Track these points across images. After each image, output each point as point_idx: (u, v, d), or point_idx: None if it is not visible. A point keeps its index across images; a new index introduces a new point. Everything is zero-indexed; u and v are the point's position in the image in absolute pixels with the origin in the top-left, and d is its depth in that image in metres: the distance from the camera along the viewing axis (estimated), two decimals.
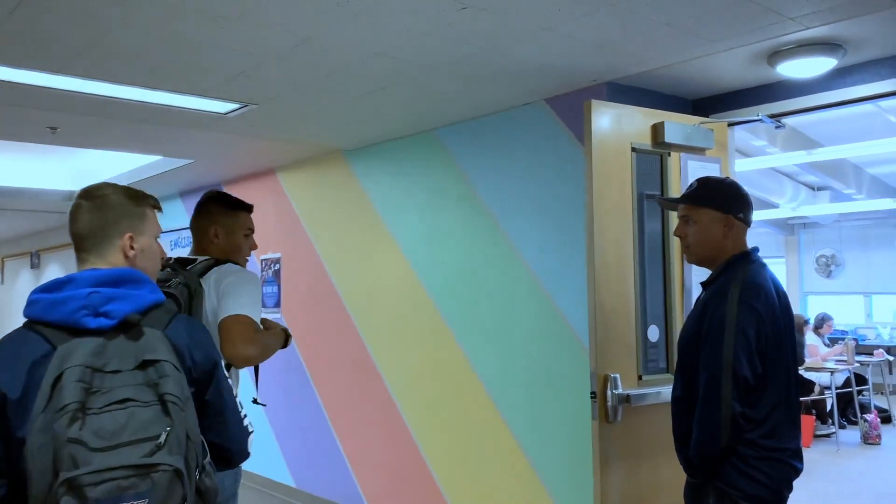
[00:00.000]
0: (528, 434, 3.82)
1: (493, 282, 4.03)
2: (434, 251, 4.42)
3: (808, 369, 7.96)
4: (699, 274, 3.29)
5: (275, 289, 5.78)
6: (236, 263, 2.68)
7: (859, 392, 8.35)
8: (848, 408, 8.44)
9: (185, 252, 7.11)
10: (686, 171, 3.32)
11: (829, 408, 8.08)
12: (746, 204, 2.35)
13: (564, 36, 2.83)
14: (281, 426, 5.70)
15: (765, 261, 2.34)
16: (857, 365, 8.33)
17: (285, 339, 2.69)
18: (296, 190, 5.65)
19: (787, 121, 3.56)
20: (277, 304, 5.76)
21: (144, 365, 1.51)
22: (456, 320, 4.25)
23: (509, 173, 3.97)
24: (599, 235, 3.02)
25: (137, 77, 3.35)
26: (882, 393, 9.32)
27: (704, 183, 2.39)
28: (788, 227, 12.22)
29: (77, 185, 7.45)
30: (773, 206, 9.32)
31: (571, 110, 3.60)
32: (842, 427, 8.03)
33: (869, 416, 7.77)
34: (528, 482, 3.79)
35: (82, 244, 1.71)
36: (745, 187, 2.43)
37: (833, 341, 9.21)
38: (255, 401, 2.98)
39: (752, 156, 7.08)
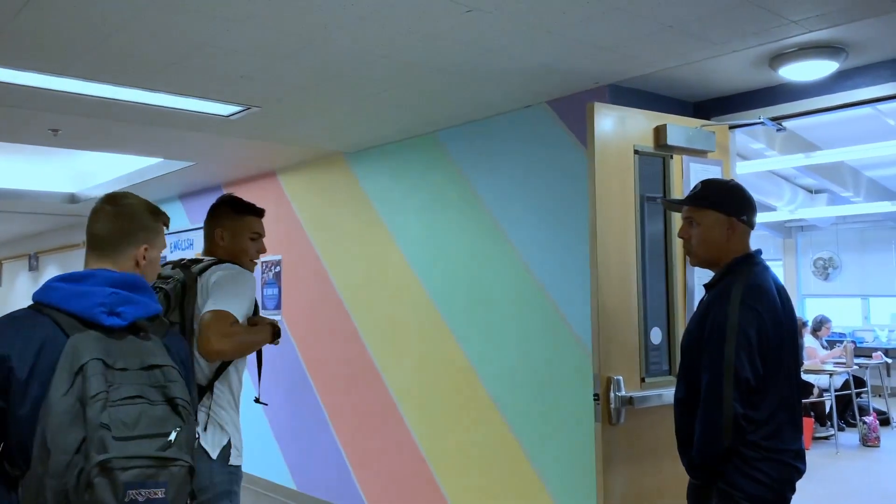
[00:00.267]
0: (529, 436, 3.82)
1: (494, 284, 4.04)
2: (435, 253, 4.43)
3: (806, 371, 7.97)
4: (701, 276, 3.31)
5: (275, 291, 5.79)
6: (240, 265, 2.73)
7: (858, 394, 8.37)
8: (846, 410, 8.46)
9: (185, 254, 7.13)
10: (688, 174, 3.33)
11: (827, 410, 8.09)
12: (750, 206, 2.36)
13: (568, 38, 2.85)
14: (282, 428, 5.69)
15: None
16: (856, 367, 8.35)
17: (272, 334, 2.68)
18: (297, 192, 5.65)
19: (786, 123, 3.58)
20: (278, 307, 5.76)
21: (149, 368, 1.62)
22: (457, 322, 4.26)
23: (511, 176, 3.98)
24: (602, 237, 3.03)
25: (140, 79, 3.35)
26: (880, 395, 9.34)
27: (708, 185, 2.40)
28: (786, 229, 12.25)
29: (76, 188, 7.45)
30: (771, 208, 9.34)
31: (573, 112, 3.61)
32: (840, 429, 8.04)
33: (868, 419, 7.78)
34: (529, 484, 3.79)
35: (99, 246, 1.84)
36: None
37: (831, 344, 9.23)
38: (256, 400, 3.01)
39: (751, 158, 7.10)
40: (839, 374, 8.11)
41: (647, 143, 3.23)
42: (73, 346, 1.58)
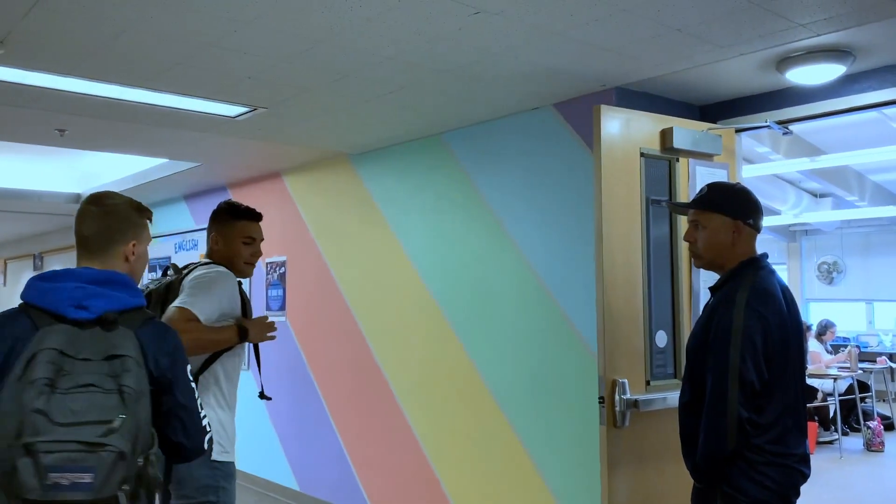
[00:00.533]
0: (533, 438, 3.82)
1: (498, 286, 4.04)
2: (439, 255, 4.43)
3: (810, 376, 7.95)
4: (707, 279, 3.31)
5: (280, 292, 5.79)
6: (234, 269, 2.83)
7: (862, 399, 8.35)
8: (850, 415, 8.44)
9: (190, 254, 7.14)
10: (694, 177, 3.33)
11: (831, 414, 8.07)
12: (756, 209, 2.36)
13: (575, 40, 2.85)
14: (285, 429, 5.70)
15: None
16: (860, 372, 8.33)
17: (238, 333, 2.69)
18: (301, 193, 5.66)
19: (792, 127, 3.57)
20: (282, 307, 5.76)
21: (110, 358, 1.69)
22: (461, 325, 4.25)
23: (516, 178, 3.98)
24: (608, 240, 3.03)
25: (148, 79, 3.36)
26: (885, 400, 9.32)
27: (714, 188, 2.39)
28: (790, 233, 12.23)
29: (81, 188, 7.46)
30: (776, 212, 9.33)
31: (579, 115, 3.61)
32: (844, 434, 8.02)
33: (872, 424, 7.76)
34: (533, 486, 3.78)
35: (88, 246, 1.93)
36: None
37: (835, 348, 9.21)
38: (261, 395, 3.03)
39: (756, 162, 7.09)
40: (843, 378, 8.09)
41: (654, 146, 3.23)
42: (38, 338, 1.67)
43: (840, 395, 7.99)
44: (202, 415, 1.94)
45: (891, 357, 9.60)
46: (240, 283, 2.84)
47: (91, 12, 2.59)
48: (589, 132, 3.42)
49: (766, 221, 2.40)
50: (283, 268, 5.77)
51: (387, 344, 4.80)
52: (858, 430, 8.08)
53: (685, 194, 3.29)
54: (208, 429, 1.94)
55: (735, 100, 3.64)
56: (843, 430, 7.95)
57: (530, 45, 2.90)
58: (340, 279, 5.22)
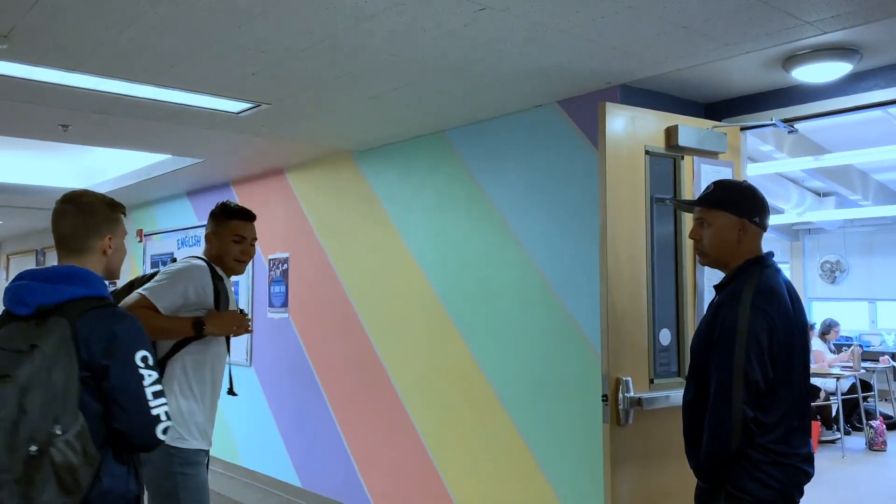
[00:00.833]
0: (536, 436, 3.82)
1: (502, 284, 4.03)
2: (443, 253, 4.42)
3: (813, 375, 7.92)
4: (711, 277, 3.30)
5: (283, 288, 5.79)
6: (225, 266, 2.98)
7: (864, 398, 8.34)
8: (853, 414, 8.43)
9: (192, 251, 7.15)
10: (699, 175, 3.32)
11: (834, 414, 8.07)
12: (762, 208, 2.35)
13: (580, 38, 2.84)
14: (287, 425, 5.70)
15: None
16: (863, 371, 8.32)
17: (193, 325, 2.76)
18: (305, 190, 5.65)
19: (797, 125, 3.56)
20: (285, 304, 5.76)
21: (33, 348, 1.84)
22: (464, 322, 4.25)
23: (519, 175, 3.97)
24: (612, 238, 3.02)
25: (152, 75, 3.35)
26: (887, 399, 9.31)
27: (721, 185, 2.38)
28: (793, 232, 12.22)
29: (84, 184, 7.46)
30: (779, 211, 9.32)
31: (584, 113, 3.60)
32: (847, 433, 8.01)
33: (874, 423, 7.76)
34: (536, 484, 3.78)
35: (67, 244, 2.08)
36: None
37: (838, 347, 9.20)
38: (229, 391, 3.12)
39: (759, 161, 7.08)
40: (846, 377, 8.08)
41: (659, 144, 3.22)
42: None
43: (843, 395, 7.99)
44: (156, 403, 1.96)
45: (893, 356, 9.58)
46: (221, 279, 2.93)
47: (95, 7, 2.58)
48: (593, 130, 3.42)
49: (770, 220, 2.39)
50: (285, 264, 5.77)
51: (390, 341, 4.79)
52: (861, 430, 8.08)
53: (690, 192, 3.28)
54: (163, 418, 1.97)
55: (740, 98, 3.63)
56: (845, 429, 7.94)
57: (535, 42, 2.89)
58: (343, 276, 5.21)
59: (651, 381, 3.13)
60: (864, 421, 8.00)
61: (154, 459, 2.63)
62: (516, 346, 3.93)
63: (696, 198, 2.47)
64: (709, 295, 3.31)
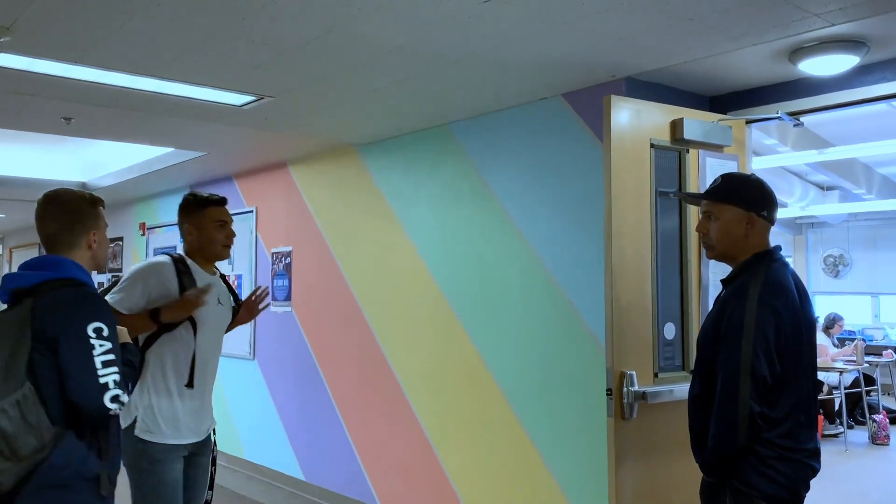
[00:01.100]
0: (540, 429, 3.81)
1: (506, 277, 4.02)
2: (447, 246, 4.41)
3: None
4: (716, 271, 3.29)
5: (286, 282, 5.78)
6: (211, 254, 3.05)
7: (868, 392, 8.34)
8: (856, 408, 8.43)
9: None
10: (704, 169, 3.31)
11: (837, 408, 8.07)
12: (770, 201, 2.33)
13: (586, 30, 2.82)
14: (290, 419, 5.70)
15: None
16: (866, 365, 8.32)
17: (150, 316, 2.83)
18: (308, 184, 5.64)
19: (803, 119, 3.54)
20: (288, 298, 5.76)
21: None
22: (468, 316, 4.24)
23: (523, 169, 3.96)
24: (617, 232, 3.01)
25: (155, 67, 3.34)
26: (890, 394, 9.31)
27: (729, 179, 2.37)
28: (796, 226, 12.19)
29: (87, 177, 7.45)
30: (782, 205, 9.26)
31: (589, 106, 3.59)
32: (850, 427, 8.01)
33: (877, 417, 7.75)
34: (540, 478, 3.78)
35: (53, 241, 2.22)
36: None
37: (841, 342, 9.18)
38: (188, 385, 3.08)
39: (763, 154, 7.05)
40: (849, 371, 8.08)
41: (664, 137, 3.21)
42: None
43: (846, 389, 7.98)
44: (105, 371, 2.02)
45: None
46: (188, 273, 2.95)
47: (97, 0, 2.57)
48: (598, 123, 3.40)
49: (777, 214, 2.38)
50: (288, 258, 5.77)
51: (393, 335, 4.79)
52: (864, 424, 8.08)
53: (695, 186, 3.27)
54: (111, 386, 2.01)
55: (745, 91, 3.61)
56: (848, 423, 7.94)
57: (541, 35, 2.88)
58: (346, 270, 5.21)
59: (655, 375, 3.12)
60: (867, 415, 8.00)
61: (124, 446, 2.70)
62: (520, 339, 3.93)
63: (704, 191, 2.46)
64: (713, 289, 3.30)
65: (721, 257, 2.38)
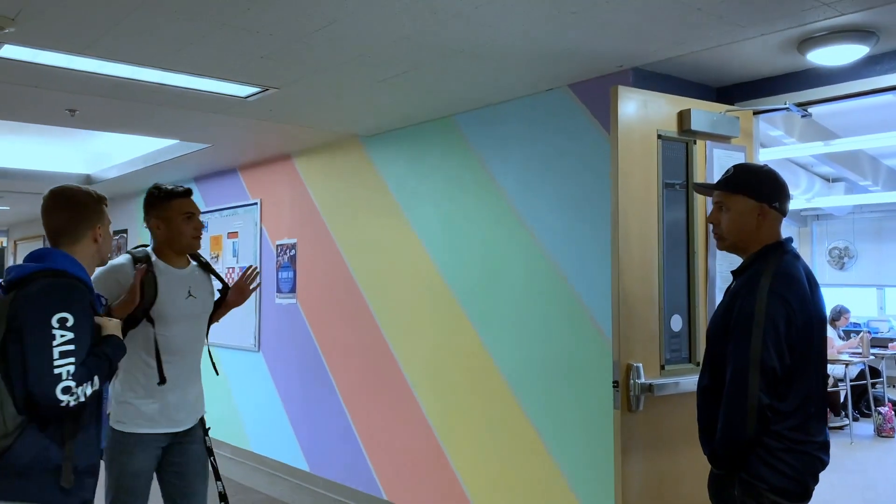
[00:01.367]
0: (546, 422, 3.81)
1: (511, 269, 4.01)
2: (452, 238, 4.40)
3: None
4: (723, 263, 3.28)
5: (290, 274, 5.78)
6: (180, 247, 3.04)
7: (873, 385, 8.32)
8: (861, 400, 8.42)
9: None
10: (711, 160, 3.29)
11: (842, 400, 8.06)
12: (783, 193, 2.32)
13: (594, 20, 2.80)
14: (295, 410, 5.71)
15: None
16: (872, 357, 8.30)
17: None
18: (312, 176, 5.63)
19: (811, 110, 3.52)
20: (293, 290, 5.75)
21: None
22: (473, 308, 4.24)
23: (529, 160, 3.94)
24: (624, 224, 3.00)
25: (159, 59, 3.33)
26: (895, 386, 9.29)
27: (741, 169, 2.35)
28: (801, 218, 12.14)
29: (91, 169, 7.46)
30: None
31: (595, 96, 3.57)
32: (855, 419, 8.01)
33: (883, 409, 7.75)
34: (546, 470, 3.78)
35: (59, 235, 2.28)
36: None
37: (846, 334, 9.17)
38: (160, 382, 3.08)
39: (769, 146, 7.02)
40: (855, 364, 8.06)
41: (671, 128, 3.19)
42: None
43: (851, 381, 7.97)
44: (61, 362, 2.04)
45: None
46: (148, 267, 2.93)
47: None
48: (605, 114, 3.38)
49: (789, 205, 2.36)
50: (293, 250, 5.76)
51: (398, 327, 4.79)
52: (869, 416, 8.07)
53: (702, 177, 3.25)
54: (65, 377, 2.03)
55: (752, 81, 3.58)
56: (853, 415, 7.93)
57: (547, 25, 2.86)
58: (351, 262, 5.20)
59: (662, 368, 3.11)
60: (873, 407, 7.99)
61: (108, 435, 2.81)
62: (525, 331, 3.92)
63: (717, 181, 2.43)
64: (721, 280, 3.28)
65: (732, 248, 2.36)
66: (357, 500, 5.02)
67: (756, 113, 3.53)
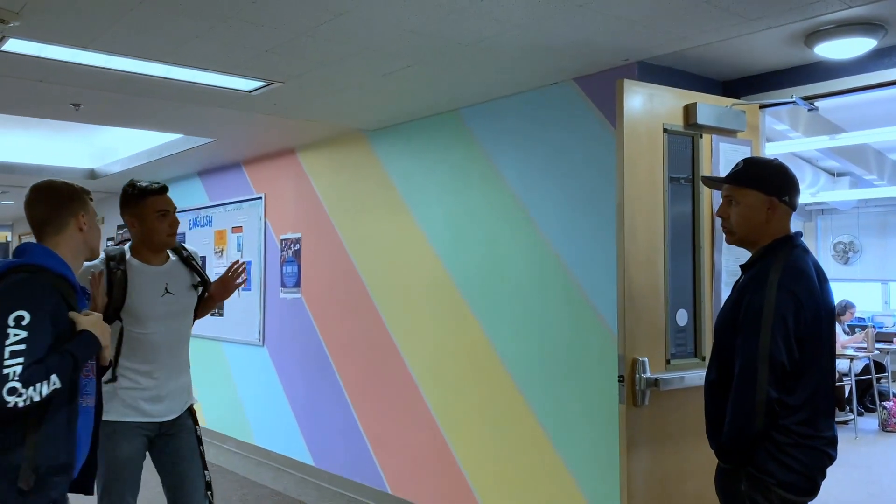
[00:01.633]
0: (551, 416, 3.81)
1: (516, 264, 4.01)
2: (457, 233, 4.40)
3: None
4: (729, 258, 3.27)
5: (294, 269, 5.78)
6: (156, 244, 3.04)
7: (878, 379, 8.31)
8: (866, 395, 8.41)
9: (203, 231, 7.10)
10: (717, 154, 3.28)
11: (847, 395, 8.05)
12: (792, 187, 2.31)
13: (601, 13, 2.79)
14: (300, 405, 5.72)
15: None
16: (877, 352, 8.29)
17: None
18: (316, 170, 5.63)
19: (817, 103, 3.50)
20: (297, 284, 5.76)
21: None
22: (478, 303, 4.23)
23: (534, 154, 3.93)
24: (630, 218, 2.99)
25: (164, 53, 3.32)
26: None
27: (751, 163, 2.34)
28: (806, 212, 12.10)
29: (96, 164, 7.46)
30: None
31: (601, 90, 3.56)
32: (860, 414, 8.00)
33: (888, 404, 7.74)
34: (551, 464, 3.78)
35: (43, 226, 2.25)
36: None
37: (851, 329, 9.15)
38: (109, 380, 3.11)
39: (774, 140, 6.99)
40: (859, 358, 8.05)
41: (677, 122, 3.17)
42: None
43: (856, 376, 7.96)
44: (10, 362, 1.98)
45: None
46: (120, 270, 2.96)
47: None
48: (610, 107, 3.37)
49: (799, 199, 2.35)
50: (297, 245, 5.76)
51: (403, 321, 4.79)
52: (874, 411, 8.06)
53: (708, 171, 3.24)
54: (11, 377, 1.97)
55: (759, 75, 3.57)
56: (858, 410, 7.92)
57: (553, 18, 2.84)
58: (356, 256, 5.20)
59: (668, 362, 3.11)
60: (878, 402, 7.97)
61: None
62: (530, 326, 3.91)
63: (726, 175, 2.42)
64: (727, 275, 3.28)
65: (741, 242, 2.35)
66: (361, 494, 5.03)
67: (762, 107, 3.51)
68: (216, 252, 6.85)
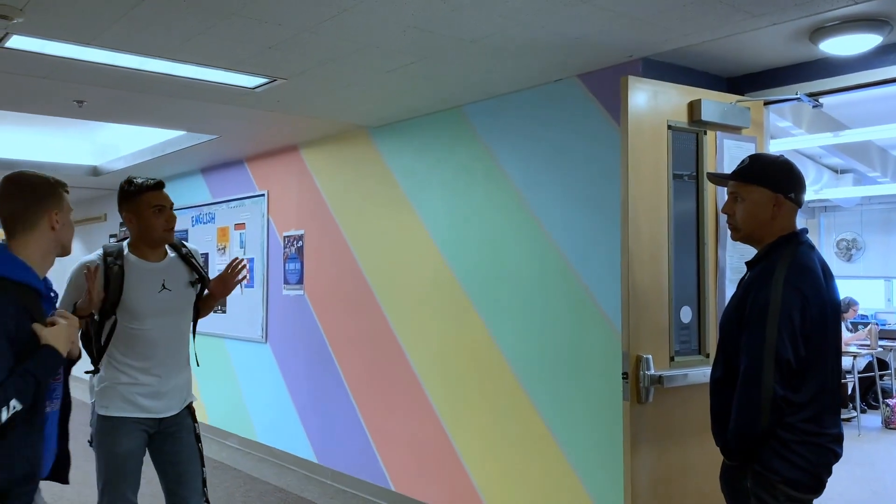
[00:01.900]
0: (554, 413, 3.81)
1: (519, 261, 4.00)
2: (460, 230, 4.39)
3: None
4: (733, 255, 3.26)
5: (298, 265, 5.78)
6: (153, 241, 3.02)
7: (881, 377, 8.30)
8: (869, 392, 8.40)
9: (206, 228, 7.10)
10: (722, 150, 3.27)
11: (850, 392, 8.04)
12: (799, 184, 2.30)
13: (603, 9, 2.78)
14: (303, 401, 5.72)
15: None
16: (880, 349, 8.28)
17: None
18: (319, 167, 5.62)
19: (822, 100, 3.49)
20: (300, 281, 5.76)
21: None
22: (481, 300, 4.23)
23: (538, 151, 3.93)
24: (633, 215, 2.98)
25: (167, 49, 3.32)
26: None
27: (757, 159, 2.33)
28: (809, 210, 12.09)
29: (98, 161, 7.46)
30: None
31: (605, 87, 3.55)
32: (863, 411, 7.99)
33: (891, 401, 7.72)
34: (554, 461, 3.78)
35: (13, 222, 2.11)
36: None
37: (854, 326, 9.13)
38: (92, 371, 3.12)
39: (777, 137, 6.97)
40: (862, 356, 8.04)
41: (681, 119, 3.16)
42: None
43: (859, 373, 7.95)
44: None
45: None
46: (116, 266, 2.96)
47: None
48: (614, 104, 3.36)
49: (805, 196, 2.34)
50: (300, 241, 5.76)
51: (405, 319, 4.78)
52: (877, 408, 8.05)
53: (712, 167, 3.24)
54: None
55: (763, 71, 3.56)
56: (861, 407, 7.91)
57: (557, 14, 2.84)
58: (359, 253, 5.20)
59: (672, 359, 3.10)
60: (881, 399, 7.96)
61: (94, 421, 2.93)
62: (534, 323, 3.91)
63: (732, 171, 2.41)
64: (730, 272, 3.27)
65: (746, 239, 2.34)
66: (364, 491, 5.03)
67: (767, 103, 3.50)
68: (219, 249, 6.85)
